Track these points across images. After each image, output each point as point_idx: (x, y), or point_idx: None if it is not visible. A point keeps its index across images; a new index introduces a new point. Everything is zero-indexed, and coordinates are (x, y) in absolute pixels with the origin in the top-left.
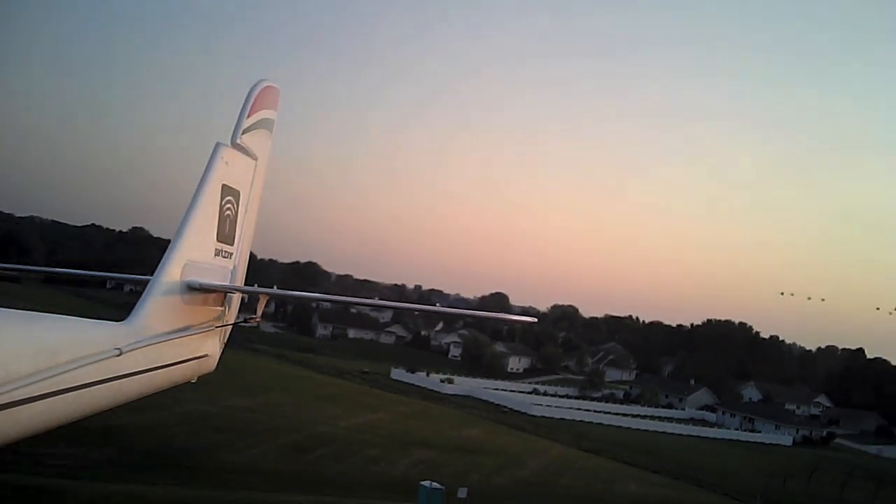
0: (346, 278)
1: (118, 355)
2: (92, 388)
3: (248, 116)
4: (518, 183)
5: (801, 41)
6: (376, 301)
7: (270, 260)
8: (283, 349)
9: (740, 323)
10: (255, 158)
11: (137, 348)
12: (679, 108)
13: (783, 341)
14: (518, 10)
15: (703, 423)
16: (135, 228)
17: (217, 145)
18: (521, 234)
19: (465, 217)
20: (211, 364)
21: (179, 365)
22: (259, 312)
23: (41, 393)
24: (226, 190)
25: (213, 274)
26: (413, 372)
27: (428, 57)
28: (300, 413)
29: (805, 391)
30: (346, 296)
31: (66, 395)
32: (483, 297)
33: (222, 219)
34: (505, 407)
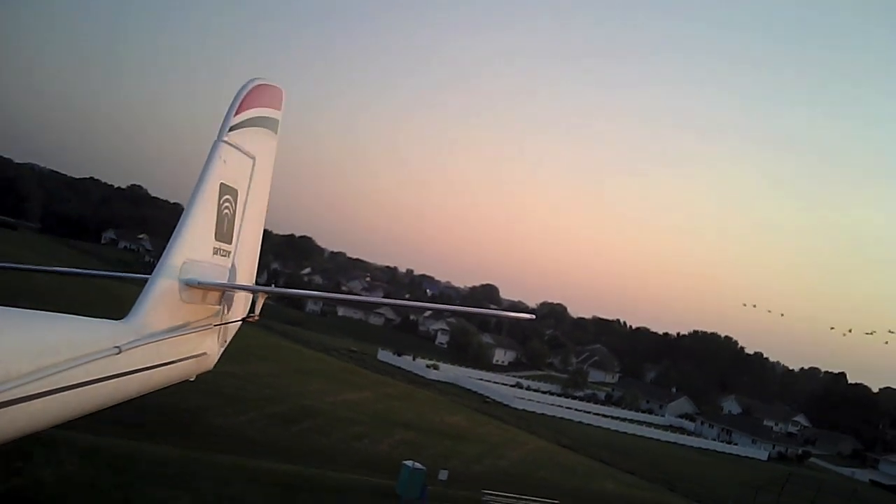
0: (339, 255)
1: (117, 353)
2: (91, 386)
3: (236, 114)
4: (517, 178)
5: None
6: (378, 299)
7: (266, 230)
8: (272, 320)
9: (726, 336)
10: (252, 157)
11: (136, 347)
12: (677, 117)
13: (767, 358)
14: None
15: (682, 430)
16: (133, 186)
17: (215, 143)
18: (517, 229)
19: (461, 206)
20: (210, 362)
21: (178, 363)
22: (257, 310)
23: (40, 391)
24: (224, 189)
25: (212, 272)
26: (400, 355)
27: (435, 46)
28: (287, 385)
29: (784, 409)
30: (343, 291)
31: (65, 393)
32: (474, 288)
33: (220, 217)
34: (488, 397)
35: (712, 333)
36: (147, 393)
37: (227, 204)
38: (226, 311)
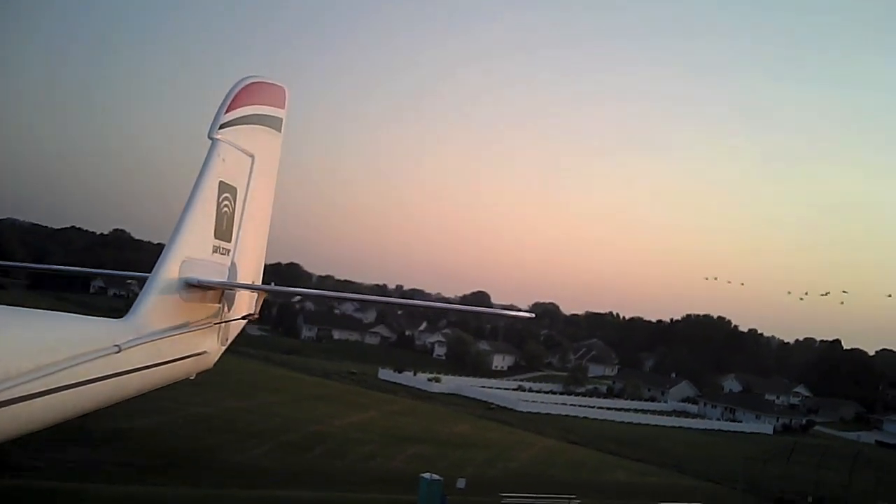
0: (327, 279)
1: (117, 352)
2: (91, 384)
3: (229, 111)
4: (497, 183)
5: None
6: (382, 298)
7: None
8: (270, 351)
9: (719, 317)
10: (251, 155)
11: (136, 345)
12: (654, 103)
13: (761, 334)
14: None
15: (686, 414)
16: (116, 230)
17: (214, 142)
18: (502, 234)
19: (445, 217)
20: (210, 361)
21: (178, 362)
22: (257, 309)
23: (41, 390)
24: (223, 187)
25: (211, 271)
26: (400, 372)
27: (409, 61)
28: (295, 413)
29: (784, 382)
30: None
31: (66, 391)
32: (465, 296)
33: (220, 216)
34: (492, 403)
35: (705, 315)
36: (147, 391)
37: (226, 202)
38: (226, 309)
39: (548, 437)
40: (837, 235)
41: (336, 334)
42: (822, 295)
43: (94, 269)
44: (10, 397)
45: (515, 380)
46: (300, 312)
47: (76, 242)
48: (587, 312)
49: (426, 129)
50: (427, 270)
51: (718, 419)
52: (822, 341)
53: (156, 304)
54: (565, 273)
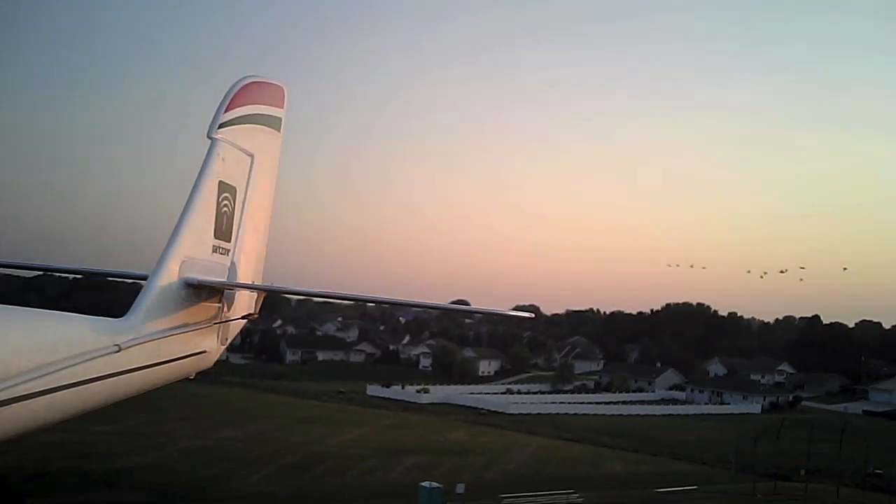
0: (306, 302)
1: (117, 352)
2: (91, 384)
3: (228, 110)
4: (467, 189)
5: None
6: (378, 297)
7: None
8: (256, 379)
9: (698, 304)
10: (251, 155)
11: (136, 345)
12: (614, 93)
13: (741, 317)
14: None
15: (674, 402)
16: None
17: (213, 142)
18: (476, 240)
19: (418, 227)
20: (210, 360)
21: (178, 361)
22: (256, 309)
23: (41, 389)
24: (223, 186)
25: (211, 270)
26: (388, 386)
27: (374, 82)
28: (290, 436)
29: (768, 361)
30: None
31: (66, 391)
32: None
33: (219, 215)
34: (483, 409)
35: (684, 303)
36: (147, 391)
37: (225, 202)
38: (226, 309)
39: (541, 437)
40: (806, 212)
41: (320, 356)
42: (781, 272)
43: (91, 268)
44: (10, 396)
45: (503, 384)
46: (282, 337)
47: (50, 288)
48: (568, 311)
49: (389, 143)
50: (403, 282)
51: (707, 403)
52: (801, 318)
53: (156, 304)
54: (543, 274)
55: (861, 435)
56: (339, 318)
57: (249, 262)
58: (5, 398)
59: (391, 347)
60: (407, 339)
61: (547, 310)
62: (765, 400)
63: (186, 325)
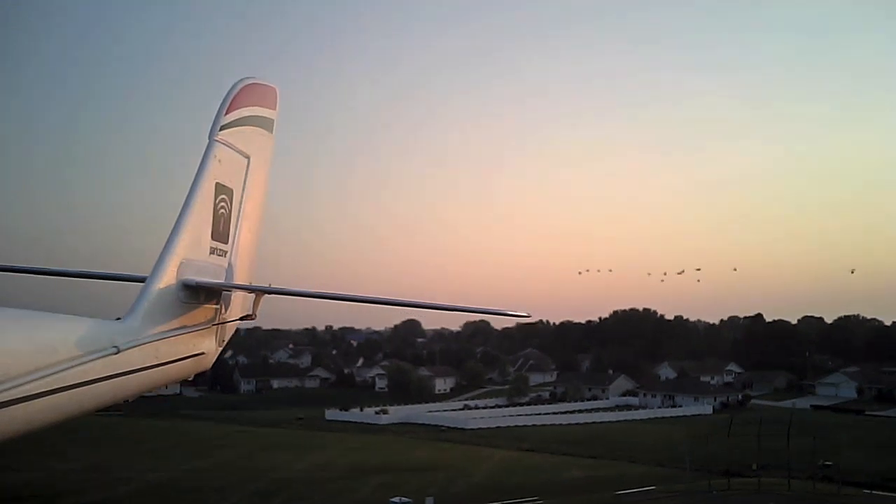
0: (254, 331)
1: (116, 354)
2: (90, 385)
3: (227, 113)
4: (404, 211)
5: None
6: (373, 297)
7: None
8: (213, 410)
9: (644, 309)
10: (247, 157)
11: (135, 346)
12: (543, 96)
13: (687, 319)
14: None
15: (628, 407)
16: None
17: (210, 143)
18: (419, 260)
19: (361, 248)
20: (207, 362)
21: (176, 363)
22: (254, 310)
23: (40, 391)
24: (219, 188)
25: (209, 272)
26: (347, 410)
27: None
28: (253, 464)
29: (716, 362)
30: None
31: (65, 392)
32: (396, 326)
33: (217, 217)
34: (442, 426)
35: (631, 310)
36: (145, 392)
37: (222, 203)
38: (223, 310)
39: (502, 449)
40: (744, 212)
41: (275, 383)
42: (678, 273)
43: (89, 270)
44: (9, 398)
45: (460, 400)
46: (235, 368)
47: None
48: (518, 324)
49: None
50: (352, 308)
51: (659, 407)
52: (745, 317)
53: (154, 306)
54: (488, 290)
55: (809, 429)
56: (291, 346)
57: (245, 264)
58: (5, 400)
59: (346, 371)
60: (361, 361)
61: (497, 325)
62: (715, 400)
63: (185, 326)
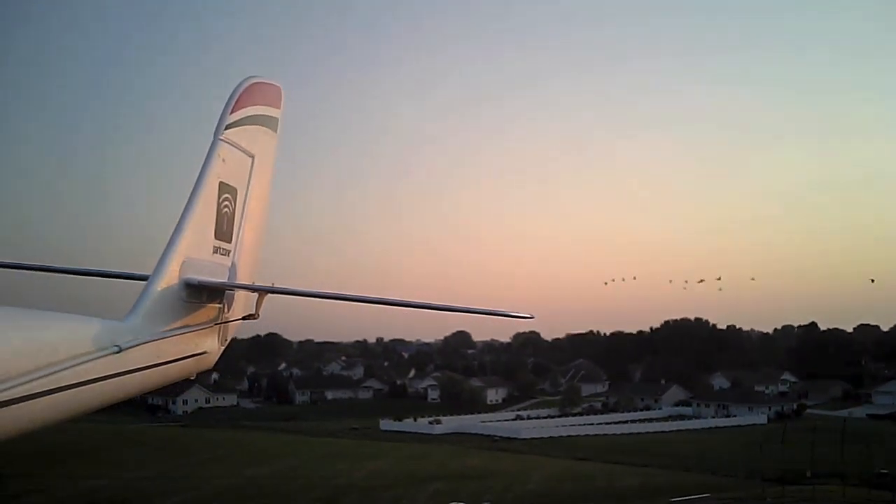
0: (307, 343)
1: (117, 352)
2: (92, 384)
3: (233, 112)
4: (463, 223)
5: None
6: (376, 297)
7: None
8: (269, 421)
9: (696, 318)
10: (252, 156)
11: (136, 346)
12: (603, 109)
13: (740, 329)
14: None
15: (681, 417)
16: None
17: (214, 142)
18: (473, 272)
19: (415, 264)
20: (210, 361)
21: (178, 362)
22: (257, 310)
23: (42, 390)
24: (223, 187)
25: (212, 271)
26: (400, 420)
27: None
28: (314, 472)
29: (770, 371)
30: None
31: (67, 391)
32: (446, 338)
33: (220, 216)
34: (495, 436)
35: (683, 319)
36: (147, 392)
37: (226, 202)
38: (226, 309)
39: (555, 458)
40: (797, 220)
41: (329, 395)
42: (699, 282)
43: (91, 268)
44: (12, 397)
45: (512, 410)
46: (290, 380)
47: None
48: (568, 335)
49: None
50: (405, 318)
51: (713, 417)
52: (799, 326)
53: (156, 305)
54: (540, 301)
55: (865, 437)
56: (343, 358)
57: (249, 263)
58: (6, 399)
59: (398, 382)
60: (412, 373)
61: (547, 335)
62: (770, 410)
63: (187, 326)
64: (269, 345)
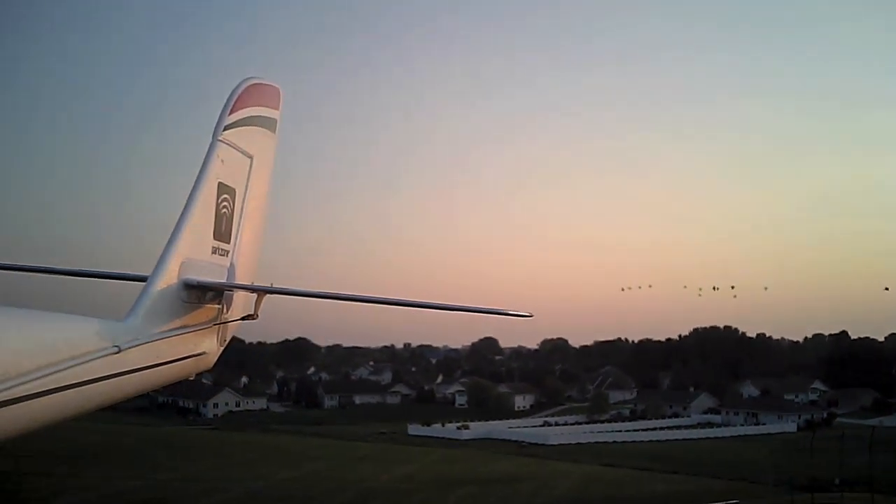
0: (335, 348)
1: (117, 353)
2: (91, 385)
3: (231, 113)
4: (487, 233)
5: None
6: (376, 297)
7: (259, 343)
8: (299, 425)
9: (725, 327)
10: (250, 157)
11: (136, 346)
12: (627, 114)
13: (770, 337)
14: None
15: (710, 425)
16: None
17: (213, 143)
18: (500, 278)
19: (442, 271)
20: (209, 362)
21: (177, 362)
22: (256, 311)
23: (42, 390)
24: (222, 188)
25: (211, 272)
26: (429, 425)
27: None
28: (343, 475)
29: (800, 380)
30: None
31: (67, 391)
32: (473, 344)
33: (219, 216)
34: (523, 441)
35: (712, 327)
36: (146, 392)
37: (225, 203)
38: (225, 310)
39: (583, 464)
40: (827, 229)
41: (357, 399)
42: (714, 289)
43: (91, 269)
44: (10, 397)
45: (540, 417)
46: (319, 384)
47: None
48: (596, 342)
49: (405, 182)
50: (433, 326)
51: (742, 425)
52: (830, 335)
53: (155, 306)
54: (568, 308)
55: (894, 446)
56: (371, 363)
57: (247, 264)
58: (7, 399)
59: (426, 387)
60: (440, 378)
61: (575, 342)
62: (800, 418)
63: (186, 326)
64: (298, 349)
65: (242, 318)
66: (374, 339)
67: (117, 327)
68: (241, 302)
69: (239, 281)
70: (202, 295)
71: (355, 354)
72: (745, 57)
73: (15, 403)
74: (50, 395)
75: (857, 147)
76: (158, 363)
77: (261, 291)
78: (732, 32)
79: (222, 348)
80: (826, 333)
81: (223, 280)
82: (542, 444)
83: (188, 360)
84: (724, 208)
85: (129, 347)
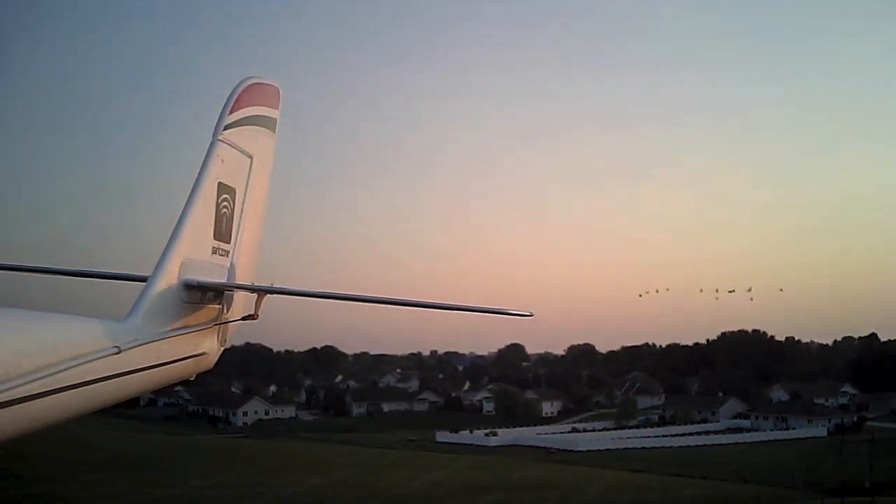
0: (362, 356)
1: (117, 353)
2: (92, 385)
3: (231, 112)
4: (516, 236)
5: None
6: (378, 297)
7: (287, 351)
8: (328, 433)
9: (753, 330)
10: (250, 156)
11: (136, 346)
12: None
13: (799, 341)
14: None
15: (739, 430)
16: None
17: (213, 143)
18: (525, 286)
19: (468, 277)
20: (209, 362)
21: (178, 363)
22: (257, 310)
23: (42, 390)
24: (222, 188)
25: (211, 272)
26: (457, 432)
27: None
28: (373, 481)
29: (830, 384)
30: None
31: (67, 392)
32: (500, 350)
33: (219, 216)
34: (552, 448)
35: (740, 331)
36: (147, 392)
37: (225, 203)
38: (225, 310)
39: (612, 470)
40: (854, 230)
41: (385, 407)
42: (730, 292)
43: (91, 269)
44: (10, 398)
45: (568, 423)
46: (346, 392)
47: None
48: (623, 347)
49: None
50: (459, 333)
51: (772, 430)
52: (859, 338)
53: (155, 306)
54: (595, 313)
55: None
56: (398, 370)
57: (247, 264)
58: (7, 399)
59: (453, 395)
60: (467, 385)
61: (602, 348)
62: (830, 423)
63: (187, 326)
64: (326, 357)
65: (243, 319)
66: (400, 347)
67: (117, 328)
68: (242, 302)
69: (239, 281)
70: (202, 295)
71: (382, 362)
72: (765, 63)
73: (15, 404)
74: (50, 396)
75: (886, 147)
76: (159, 363)
77: (261, 291)
78: (757, 41)
79: (223, 348)
80: (855, 336)
81: (223, 280)
82: (571, 451)
83: (189, 360)
84: (747, 212)
85: (130, 348)
